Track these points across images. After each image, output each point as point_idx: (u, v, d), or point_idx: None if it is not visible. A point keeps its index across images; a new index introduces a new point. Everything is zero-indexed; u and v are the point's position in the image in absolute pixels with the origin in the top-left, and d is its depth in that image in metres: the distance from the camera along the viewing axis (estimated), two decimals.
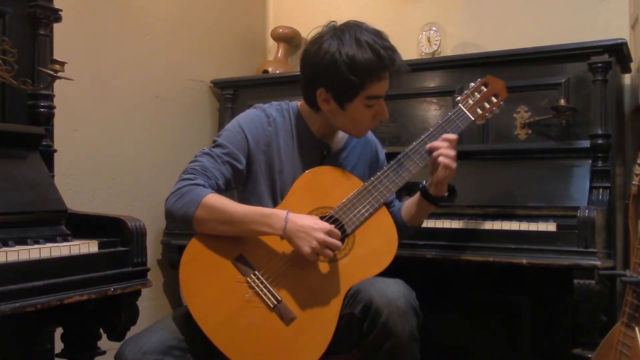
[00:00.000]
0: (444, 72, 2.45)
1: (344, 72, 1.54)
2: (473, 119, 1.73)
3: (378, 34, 1.59)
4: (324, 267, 1.54)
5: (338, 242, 1.50)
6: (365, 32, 1.57)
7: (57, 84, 1.75)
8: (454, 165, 1.61)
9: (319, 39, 1.60)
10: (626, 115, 2.47)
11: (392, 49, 1.58)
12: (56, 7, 1.83)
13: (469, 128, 2.05)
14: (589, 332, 1.88)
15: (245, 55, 3.24)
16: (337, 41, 1.56)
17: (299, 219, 1.49)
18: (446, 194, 1.71)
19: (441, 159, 1.61)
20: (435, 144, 1.63)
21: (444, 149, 1.61)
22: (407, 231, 1.77)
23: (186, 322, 1.50)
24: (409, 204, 1.77)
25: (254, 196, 1.67)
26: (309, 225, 1.48)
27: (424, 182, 1.71)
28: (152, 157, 2.68)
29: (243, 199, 1.68)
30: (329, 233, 1.49)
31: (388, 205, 1.75)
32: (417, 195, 1.73)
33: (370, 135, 1.83)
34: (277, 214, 1.50)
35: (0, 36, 1.70)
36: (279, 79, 2.85)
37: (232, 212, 1.51)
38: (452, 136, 1.65)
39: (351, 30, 1.57)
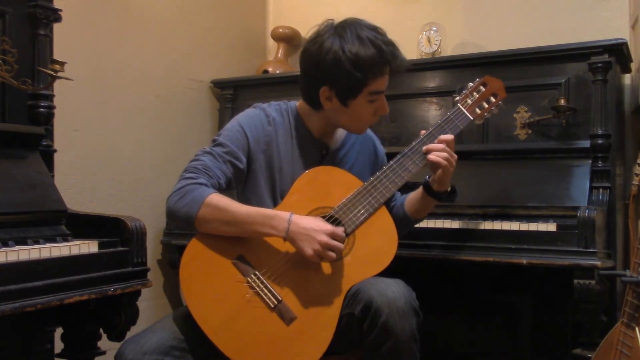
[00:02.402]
0: (444, 72, 2.45)
1: (347, 69, 1.54)
2: (472, 118, 1.73)
3: (377, 30, 1.60)
4: (324, 267, 1.54)
5: (341, 245, 1.50)
6: (365, 28, 1.58)
7: (57, 84, 1.75)
8: (445, 163, 1.61)
9: (318, 38, 1.60)
10: (626, 115, 2.47)
11: (392, 44, 1.60)
12: (56, 7, 1.83)
13: (469, 128, 2.05)
14: (589, 332, 1.87)
15: (245, 55, 3.24)
16: (339, 39, 1.57)
17: (302, 221, 1.49)
18: (449, 189, 1.71)
19: (432, 157, 1.61)
20: (430, 146, 1.64)
21: (438, 151, 1.62)
22: (410, 223, 1.79)
23: (186, 322, 1.50)
24: (412, 197, 1.78)
25: (254, 196, 1.67)
26: (312, 228, 1.48)
27: (427, 178, 1.71)
28: (152, 157, 2.68)
29: (243, 199, 1.67)
30: (332, 235, 1.48)
31: (389, 200, 1.75)
32: (420, 189, 1.73)
33: (368, 131, 1.83)
34: (280, 216, 1.50)
35: (0, 36, 1.70)
36: (279, 79, 2.85)
37: (235, 213, 1.51)
38: (448, 137, 1.65)
39: (351, 27, 1.58)
